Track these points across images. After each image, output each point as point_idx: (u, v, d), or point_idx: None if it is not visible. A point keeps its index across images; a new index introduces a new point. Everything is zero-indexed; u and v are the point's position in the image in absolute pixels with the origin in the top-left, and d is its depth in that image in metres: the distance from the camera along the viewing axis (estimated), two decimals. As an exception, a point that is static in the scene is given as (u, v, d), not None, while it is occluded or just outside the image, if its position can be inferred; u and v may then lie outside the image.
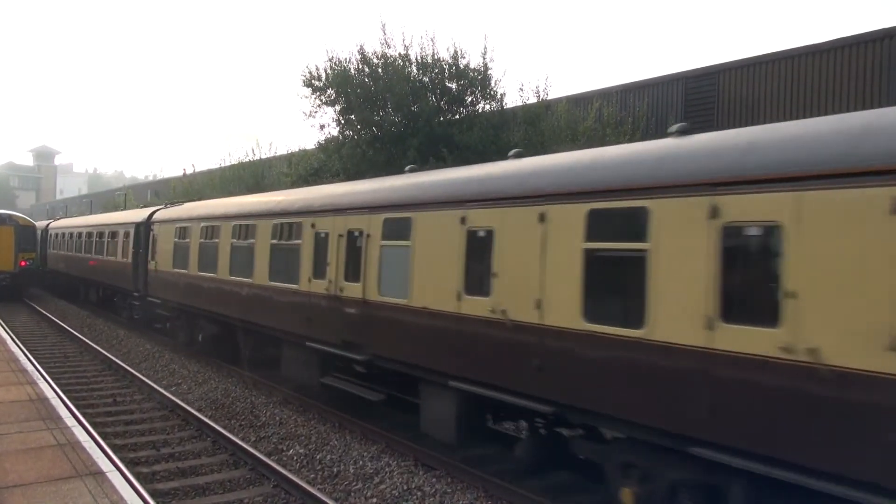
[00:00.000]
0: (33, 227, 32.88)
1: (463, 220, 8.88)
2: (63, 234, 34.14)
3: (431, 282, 9.36)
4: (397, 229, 10.21)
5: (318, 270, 11.89)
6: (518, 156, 9.49)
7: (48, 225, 39.72)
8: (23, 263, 30.79)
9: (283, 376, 13.78)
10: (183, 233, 18.19)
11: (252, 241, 14.25)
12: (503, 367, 8.22)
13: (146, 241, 21.15)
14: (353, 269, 11.02)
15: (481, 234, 8.64)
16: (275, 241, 13.39)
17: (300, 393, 13.30)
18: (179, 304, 18.20)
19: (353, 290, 10.94)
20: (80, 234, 30.60)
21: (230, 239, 15.22)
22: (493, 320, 8.26)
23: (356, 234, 11.06)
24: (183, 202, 22.35)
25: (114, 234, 24.98)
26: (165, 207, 21.99)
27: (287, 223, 13.09)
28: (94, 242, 27.98)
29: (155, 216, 21.14)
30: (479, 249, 8.66)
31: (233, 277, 14.92)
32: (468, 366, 8.74)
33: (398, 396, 11.05)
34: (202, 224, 16.91)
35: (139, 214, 23.42)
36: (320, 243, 11.95)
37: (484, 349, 8.50)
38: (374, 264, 10.51)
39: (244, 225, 14.74)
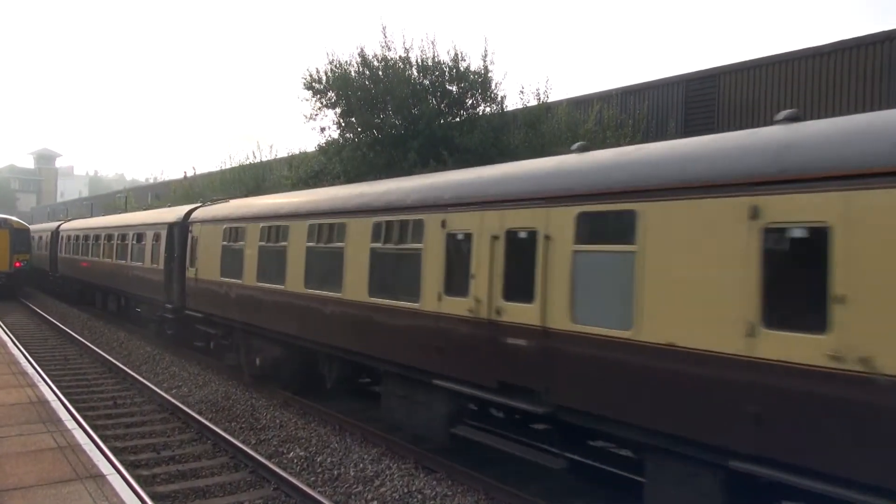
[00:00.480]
0: (27, 231, 34.47)
1: (755, 213, 5.87)
2: (78, 237, 30.90)
3: (684, 305, 6.41)
4: (607, 228, 7.33)
5: (455, 285, 8.97)
6: (792, 119, 6.53)
7: (59, 227, 36.11)
8: (17, 264, 32.54)
9: (383, 418, 11.05)
10: (235, 234, 15.09)
11: (340, 244, 11.34)
12: (876, 454, 5.13)
13: (182, 244, 18.09)
14: (521, 285, 8.04)
15: (799, 233, 5.69)
16: (377, 246, 10.49)
17: (409, 442, 10.41)
18: (230, 320, 15.19)
19: (520, 313, 7.97)
20: (97, 237, 27.54)
21: (305, 242, 12.30)
22: (841, 373, 5.25)
23: (523, 235, 8.15)
24: (227, 199, 18.84)
25: (140, 237, 21.84)
26: (205, 205, 18.79)
27: (397, 222, 10.16)
28: (115, 246, 24.72)
29: (194, 215, 17.97)
30: (792, 258, 5.85)
31: (310, 291, 12.07)
32: (786, 444, 5.61)
33: (589, 465, 8.37)
34: (263, 224, 13.86)
35: (172, 213, 20.13)
36: (457, 248, 9.03)
37: (819, 418, 5.43)
38: (562, 278, 7.50)
39: (327, 225, 11.83)
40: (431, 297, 9.33)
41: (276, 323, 13.30)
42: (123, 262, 23.43)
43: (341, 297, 11.25)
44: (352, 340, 11.13)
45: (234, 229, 15.19)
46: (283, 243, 13.06)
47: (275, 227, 13.49)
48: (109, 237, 25.75)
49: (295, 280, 12.57)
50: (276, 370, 13.92)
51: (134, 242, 22.43)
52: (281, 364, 13.75)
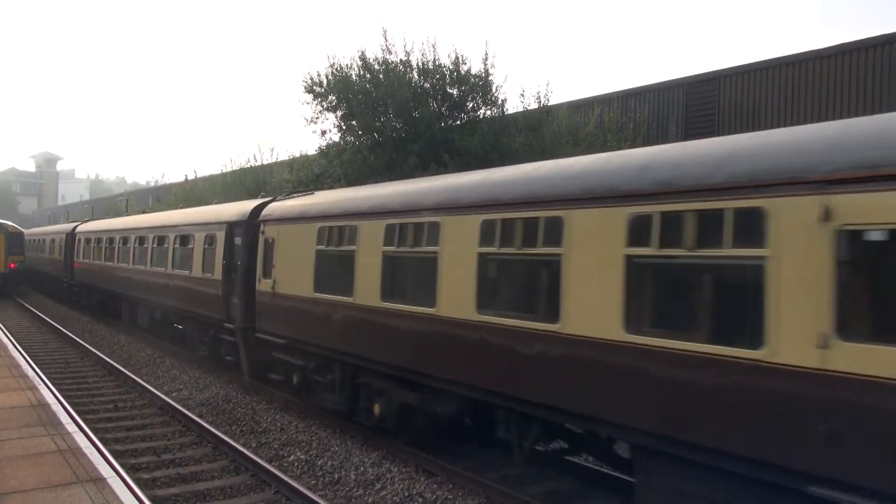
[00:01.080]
0: (21, 234, 37.43)
1: None
2: (99, 240, 27.31)
3: None
4: None
5: (864, 322, 5.30)
6: None
7: (75, 228, 32.38)
8: (12, 266, 35.33)
9: None
10: (338, 236, 11.38)
11: (553, 250, 7.38)
12: None
13: (249, 248, 14.58)
14: None
15: None
16: (642, 252, 6.55)
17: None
18: (332, 350, 11.48)
19: None
20: (124, 240, 23.90)
21: (477, 247, 8.41)
22: None
23: None
24: (312, 191, 14.81)
25: (185, 240, 18.22)
26: (277, 199, 14.93)
27: (690, 213, 6.26)
28: (149, 250, 20.90)
29: (267, 212, 14.14)
30: None
31: (491, 320, 8.17)
32: None
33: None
34: (391, 222, 10.10)
35: (232, 210, 16.35)
36: (865, 257, 5.37)
37: None
38: None
39: (522, 221, 7.88)
40: (795, 342, 5.48)
41: (420, 361, 9.50)
42: (161, 269, 19.72)
43: (558, 330, 7.33)
44: (578, 399, 7.28)
45: (336, 229, 11.46)
46: (432, 248, 9.18)
47: (414, 225, 9.67)
48: (141, 240, 21.99)
49: (459, 302, 8.69)
50: (406, 423, 10.40)
51: (176, 246, 18.83)
52: (418, 416, 10.14)
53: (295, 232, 12.85)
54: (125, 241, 23.89)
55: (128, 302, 24.07)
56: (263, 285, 13.66)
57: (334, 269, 11.53)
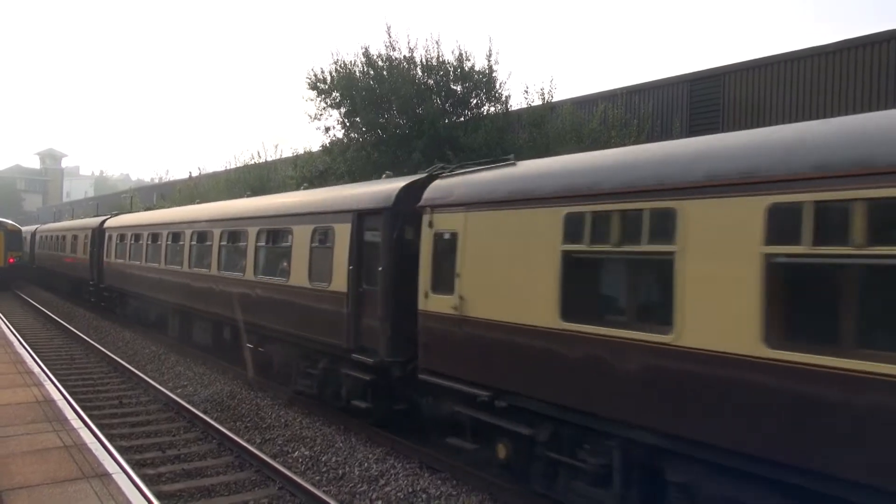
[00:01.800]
0: (20, 231, 40.65)
1: None
2: (138, 237, 22.77)
3: None
4: None
5: None
6: None
7: (103, 223, 27.41)
8: (11, 260, 38.34)
9: None
10: (622, 228, 6.76)
11: None
12: None
13: (394, 249, 10.45)
14: None
15: None
16: None
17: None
18: (598, 419, 7.01)
19: None
20: (174, 236, 19.41)
21: None
22: None
23: None
24: (513, 161, 9.24)
25: (276, 236, 14.00)
26: (445, 175, 10.02)
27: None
28: (215, 249, 16.47)
29: (439, 192, 9.64)
30: None
31: None
32: None
33: None
34: (778, 200, 5.36)
35: (368, 193, 11.53)
36: None
37: None
38: None
39: None
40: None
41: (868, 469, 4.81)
42: (237, 275, 15.20)
43: None
44: None
45: (616, 216, 6.82)
46: None
47: (868, 203, 4.85)
48: (202, 237, 17.56)
49: None
50: None
51: (261, 244, 14.50)
52: None
53: (504, 222, 8.34)
54: (176, 237, 19.32)
55: (179, 313, 19.37)
56: (436, 303, 9.28)
57: (609, 283, 7.53)
